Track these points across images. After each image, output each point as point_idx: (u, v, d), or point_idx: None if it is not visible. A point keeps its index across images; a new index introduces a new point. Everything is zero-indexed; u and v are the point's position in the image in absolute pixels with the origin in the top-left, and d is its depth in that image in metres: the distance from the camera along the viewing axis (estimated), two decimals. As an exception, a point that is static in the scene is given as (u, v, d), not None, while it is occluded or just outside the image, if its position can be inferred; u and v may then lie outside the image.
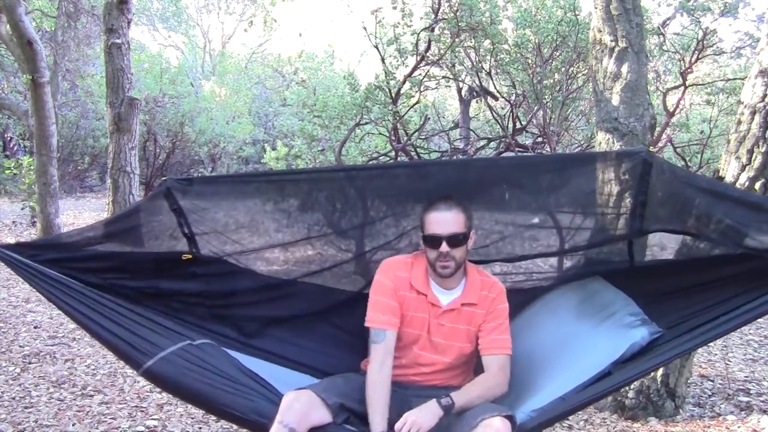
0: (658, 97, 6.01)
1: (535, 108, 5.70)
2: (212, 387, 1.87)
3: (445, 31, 5.41)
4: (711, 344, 4.62)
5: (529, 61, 5.56)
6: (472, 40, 5.43)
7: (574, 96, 5.81)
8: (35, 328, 4.63)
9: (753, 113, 2.89)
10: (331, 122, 5.79)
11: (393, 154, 5.68)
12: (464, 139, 6.58)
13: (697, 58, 5.64)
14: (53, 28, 10.81)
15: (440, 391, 2.07)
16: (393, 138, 5.46)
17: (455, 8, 5.15)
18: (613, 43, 3.34)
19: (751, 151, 2.89)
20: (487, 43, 5.55)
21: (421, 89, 5.66)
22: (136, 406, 3.36)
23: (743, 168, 2.91)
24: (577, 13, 5.33)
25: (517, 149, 5.96)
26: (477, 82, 6.00)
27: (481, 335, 2.19)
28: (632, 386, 3.29)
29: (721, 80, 6.22)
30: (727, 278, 2.07)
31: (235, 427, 2.57)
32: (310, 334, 2.47)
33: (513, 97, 5.92)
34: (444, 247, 2.12)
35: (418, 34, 5.28)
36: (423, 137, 6.32)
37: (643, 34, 3.48)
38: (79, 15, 11.27)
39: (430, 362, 2.20)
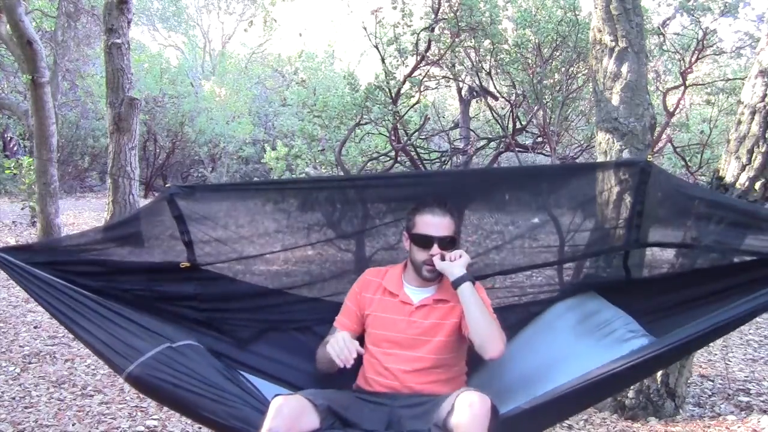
0: (658, 97, 6.01)
1: (535, 108, 5.71)
2: (193, 393, 1.81)
3: (445, 31, 5.41)
4: (711, 344, 4.62)
5: (529, 61, 5.56)
6: (472, 40, 5.43)
7: (574, 96, 5.82)
8: (35, 328, 4.63)
9: (753, 113, 2.89)
10: (331, 122, 5.78)
11: (393, 154, 5.68)
12: (464, 139, 6.59)
13: (697, 58, 5.64)
14: (53, 28, 10.82)
15: (428, 399, 2.03)
16: (393, 138, 5.46)
17: (455, 8, 5.16)
18: (613, 43, 3.34)
19: (751, 151, 2.89)
20: (487, 43, 5.55)
21: (421, 89, 5.66)
22: (136, 406, 3.36)
23: (743, 168, 2.91)
24: (577, 13, 5.33)
25: (517, 149, 5.96)
26: (477, 82, 6.01)
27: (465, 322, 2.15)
28: (632, 386, 3.29)
29: (721, 80, 6.22)
30: (727, 290, 2.04)
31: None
32: (303, 349, 2.40)
33: (513, 97, 5.92)
34: (435, 249, 2.15)
35: (418, 34, 5.28)
36: (423, 137, 6.32)
37: (643, 34, 3.48)
38: (79, 15, 11.28)
39: (409, 360, 2.16)
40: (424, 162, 5.91)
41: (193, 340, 2.11)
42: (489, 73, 5.91)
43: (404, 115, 5.41)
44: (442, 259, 2.16)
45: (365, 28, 5.35)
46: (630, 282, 2.46)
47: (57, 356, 4.05)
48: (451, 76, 5.96)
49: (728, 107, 6.29)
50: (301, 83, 7.95)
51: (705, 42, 5.53)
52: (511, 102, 5.89)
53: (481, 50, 5.65)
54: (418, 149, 5.84)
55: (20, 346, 4.22)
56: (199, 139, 13.33)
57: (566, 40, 5.37)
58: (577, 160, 6.49)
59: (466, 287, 2.09)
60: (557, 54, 5.55)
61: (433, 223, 2.17)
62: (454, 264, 2.13)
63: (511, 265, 2.57)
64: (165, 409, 3.31)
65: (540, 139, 6.16)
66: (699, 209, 2.07)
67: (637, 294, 2.38)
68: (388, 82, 5.28)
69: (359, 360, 2.13)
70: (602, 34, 3.40)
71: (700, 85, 6.29)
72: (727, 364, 4.14)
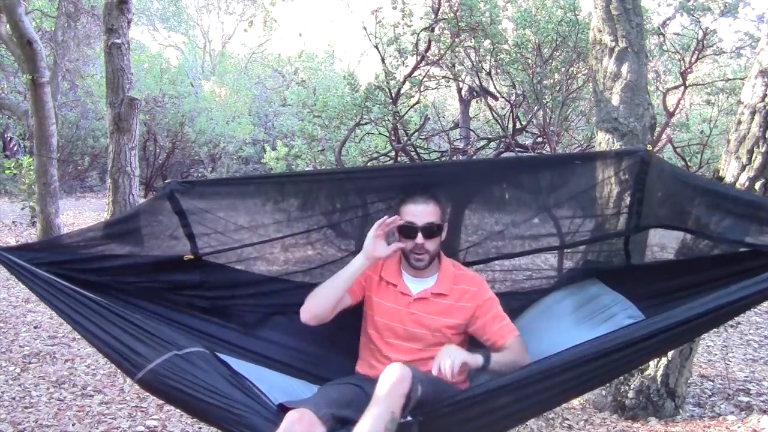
0: (658, 97, 6.02)
1: (535, 108, 5.71)
2: (200, 401, 1.84)
3: (445, 31, 5.41)
4: (711, 344, 4.62)
5: (529, 61, 5.56)
6: (472, 40, 5.43)
7: (574, 96, 5.81)
8: (35, 328, 4.62)
9: (753, 113, 2.89)
10: (331, 122, 5.78)
11: (393, 154, 5.68)
12: (464, 139, 6.58)
13: (697, 58, 5.64)
14: (53, 28, 10.82)
15: None
16: (393, 138, 5.46)
17: (455, 8, 5.16)
18: (613, 43, 3.34)
19: (751, 151, 2.89)
20: (487, 43, 5.55)
21: (421, 89, 5.66)
22: (136, 406, 3.36)
23: (743, 168, 2.91)
24: (577, 13, 5.33)
25: (517, 149, 5.96)
26: (477, 82, 6.00)
27: (486, 331, 2.19)
28: (632, 386, 3.30)
29: (721, 80, 6.22)
30: (728, 277, 2.04)
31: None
32: (307, 334, 2.42)
33: (513, 97, 5.92)
34: (419, 238, 2.17)
35: (418, 34, 5.28)
36: (423, 137, 6.32)
37: (643, 34, 3.49)
38: (79, 15, 11.28)
39: (408, 351, 2.18)
40: (424, 162, 5.91)
41: (200, 346, 2.12)
42: (489, 73, 5.91)
43: (404, 115, 5.41)
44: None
45: (365, 28, 5.35)
46: (630, 267, 2.47)
47: (57, 356, 4.05)
48: (451, 76, 5.96)
49: (728, 107, 6.29)
50: (301, 83, 7.96)
51: (705, 42, 5.53)
52: (511, 102, 5.88)
53: (481, 50, 5.65)
54: (418, 149, 5.84)
55: (20, 346, 4.22)
56: (199, 139, 13.32)
57: (566, 40, 5.37)
58: (577, 160, 6.49)
59: (490, 368, 2.04)
60: (557, 54, 5.55)
61: (416, 211, 2.19)
62: (458, 364, 1.96)
63: (512, 250, 2.59)
64: (165, 409, 3.31)
65: (540, 139, 6.15)
66: (699, 198, 2.07)
67: (637, 279, 2.39)
68: (388, 82, 5.28)
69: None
70: (602, 34, 3.40)
71: (700, 85, 6.29)
72: (727, 364, 4.14)
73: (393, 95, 5.26)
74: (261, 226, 2.46)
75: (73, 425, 3.13)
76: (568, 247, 2.66)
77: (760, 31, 6.00)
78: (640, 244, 2.57)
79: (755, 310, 5.37)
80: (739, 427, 3.18)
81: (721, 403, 3.50)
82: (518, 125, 5.89)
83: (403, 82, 5.35)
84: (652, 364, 3.27)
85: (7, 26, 7.43)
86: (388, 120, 5.38)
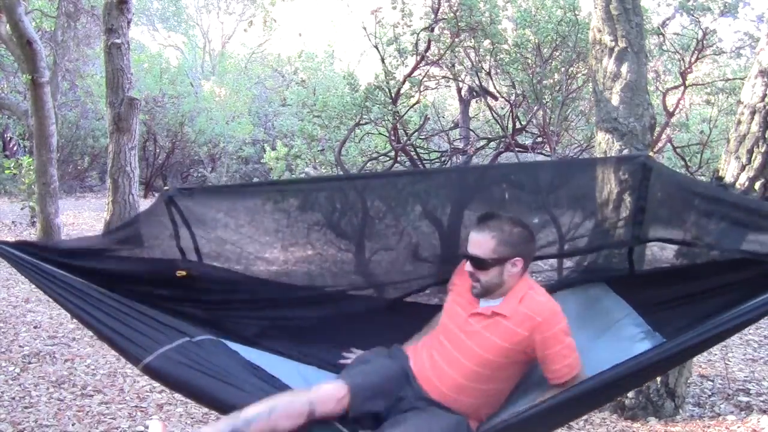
0: (658, 97, 6.01)
1: (535, 108, 5.70)
2: (215, 384, 1.85)
3: (445, 31, 5.40)
4: (711, 344, 4.61)
5: (529, 61, 5.56)
6: (472, 40, 5.42)
7: (574, 96, 5.81)
8: (35, 328, 4.62)
9: (753, 113, 2.89)
10: (331, 122, 5.78)
11: (393, 154, 5.68)
12: (464, 139, 6.58)
13: (697, 58, 5.64)
14: (53, 28, 10.81)
15: (426, 407, 2.02)
16: (393, 138, 5.46)
17: (455, 8, 5.15)
18: (613, 43, 3.34)
19: (751, 151, 2.89)
20: (487, 43, 5.54)
21: (421, 89, 5.65)
22: (136, 406, 3.36)
23: (743, 168, 2.91)
24: (577, 13, 5.32)
25: (517, 149, 5.95)
26: (477, 82, 6.00)
27: (546, 368, 2.06)
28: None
29: (721, 80, 6.21)
30: (730, 284, 2.03)
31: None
32: (311, 333, 2.44)
33: (513, 97, 5.91)
34: (468, 266, 2.11)
35: (418, 34, 5.28)
36: (423, 137, 6.31)
37: (643, 34, 3.48)
38: (79, 15, 11.27)
39: (450, 360, 2.10)
40: (424, 162, 5.90)
41: (211, 335, 2.12)
42: (489, 73, 5.91)
43: (404, 115, 5.41)
44: None
45: (365, 28, 5.35)
46: (633, 275, 2.46)
47: (57, 356, 4.05)
48: (451, 76, 5.95)
49: (728, 107, 6.28)
50: (301, 83, 7.96)
51: (705, 42, 5.53)
52: (511, 102, 5.88)
53: (481, 50, 5.64)
54: (417, 149, 5.83)
55: (20, 346, 4.22)
56: (198, 139, 13.32)
57: (566, 40, 5.37)
58: (577, 160, 6.48)
59: None
60: (557, 54, 5.54)
61: (470, 238, 2.13)
62: None
63: None
64: (165, 409, 3.31)
65: (540, 139, 6.14)
66: (700, 206, 2.07)
67: (640, 286, 2.38)
68: (387, 82, 5.27)
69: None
70: (602, 34, 3.40)
71: (700, 85, 6.28)
72: (727, 364, 4.14)
73: (393, 95, 5.26)
74: (261, 224, 2.45)
75: (72, 425, 3.13)
76: (566, 256, 2.66)
77: (760, 31, 5.99)
78: (641, 253, 2.56)
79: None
80: (738, 427, 3.18)
81: (721, 403, 3.50)
82: (518, 125, 5.89)
83: (403, 82, 5.34)
84: (651, 364, 3.26)
85: (7, 26, 7.42)
86: (388, 120, 5.38)
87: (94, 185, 14.40)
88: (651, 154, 2.36)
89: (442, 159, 6.23)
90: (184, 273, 2.29)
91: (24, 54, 6.90)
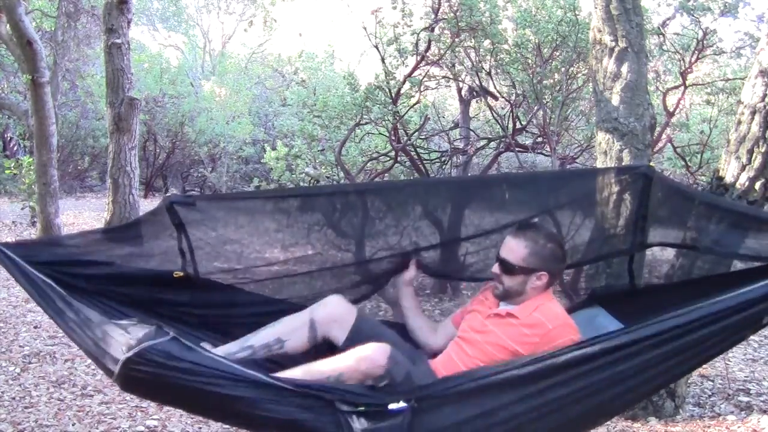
0: (658, 97, 6.01)
1: (535, 108, 5.70)
2: (207, 368, 1.73)
3: (445, 31, 5.40)
4: (711, 344, 4.61)
5: (529, 61, 5.55)
6: (472, 40, 5.42)
7: (574, 96, 5.80)
8: (35, 328, 4.62)
9: (753, 113, 2.89)
10: (331, 122, 5.78)
11: (393, 154, 5.68)
12: (464, 139, 6.56)
13: (697, 58, 5.64)
14: (53, 28, 10.82)
15: None
16: (393, 138, 5.45)
17: (455, 8, 5.15)
18: (613, 43, 3.34)
19: (751, 151, 2.89)
20: (487, 43, 5.54)
21: (421, 89, 5.65)
22: (136, 406, 3.36)
23: (743, 168, 2.91)
24: (577, 13, 5.32)
25: (517, 149, 5.95)
26: (477, 82, 5.99)
27: None
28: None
29: (721, 80, 6.21)
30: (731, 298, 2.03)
31: (234, 428, 2.57)
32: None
33: (513, 97, 5.91)
34: (496, 267, 2.19)
35: (418, 34, 5.27)
36: (423, 137, 6.30)
37: (643, 34, 3.48)
38: (79, 15, 11.28)
39: (461, 354, 2.14)
40: (424, 162, 5.90)
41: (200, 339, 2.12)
42: (489, 73, 5.90)
43: (404, 115, 5.41)
44: None
45: (365, 28, 5.34)
46: (633, 290, 2.47)
47: (57, 356, 4.05)
48: (451, 76, 5.95)
49: (728, 107, 6.28)
50: (301, 83, 7.96)
51: (705, 42, 5.53)
52: (511, 102, 5.88)
53: (481, 50, 5.64)
54: (418, 149, 5.83)
55: (20, 346, 4.22)
56: (199, 139, 13.31)
57: (566, 40, 5.36)
58: (577, 160, 6.48)
59: None
60: (557, 54, 5.54)
61: (505, 242, 2.21)
62: None
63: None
64: (165, 408, 3.31)
65: (540, 139, 6.14)
66: (700, 215, 2.09)
67: (638, 304, 2.38)
68: (388, 82, 5.27)
69: None
70: (602, 34, 3.40)
71: (700, 85, 6.28)
72: (727, 364, 4.14)
73: (393, 95, 5.26)
74: (261, 224, 2.45)
75: (73, 425, 3.13)
76: (570, 266, 2.66)
77: (760, 31, 5.99)
78: (640, 261, 2.57)
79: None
80: (739, 427, 3.18)
81: (721, 402, 3.50)
82: (518, 125, 5.88)
83: (403, 82, 5.34)
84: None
85: (7, 26, 7.42)
86: (388, 120, 5.38)
87: (95, 185, 14.40)
88: (651, 154, 2.38)
89: (443, 159, 6.23)
90: (181, 274, 2.29)
91: (24, 54, 6.90)
